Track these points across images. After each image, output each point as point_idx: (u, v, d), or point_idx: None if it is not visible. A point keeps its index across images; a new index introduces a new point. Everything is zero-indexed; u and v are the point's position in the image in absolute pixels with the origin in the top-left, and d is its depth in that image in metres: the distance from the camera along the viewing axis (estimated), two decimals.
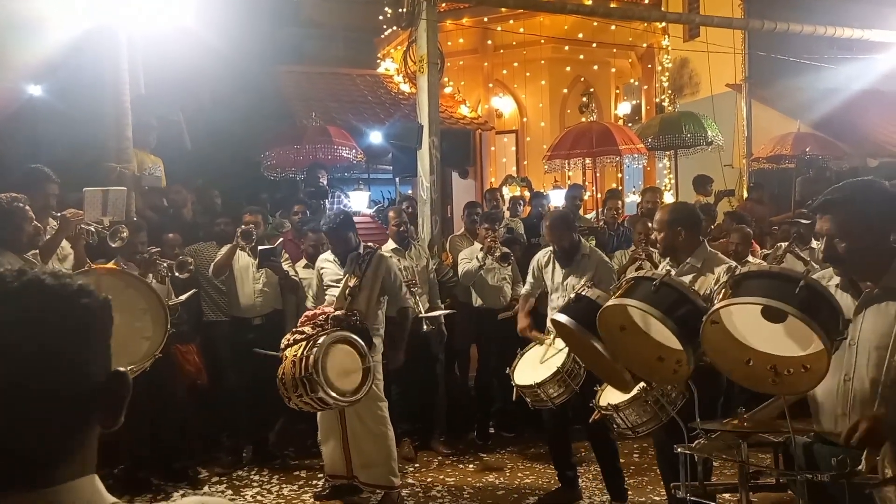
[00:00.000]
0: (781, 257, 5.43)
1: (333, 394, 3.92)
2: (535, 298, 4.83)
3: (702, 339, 2.22)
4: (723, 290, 2.19)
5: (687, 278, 3.30)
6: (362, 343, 4.12)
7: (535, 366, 4.04)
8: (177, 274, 4.68)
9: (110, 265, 4.14)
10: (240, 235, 5.01)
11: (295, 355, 4.00)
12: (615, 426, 3.23)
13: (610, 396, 3.21)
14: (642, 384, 2.85)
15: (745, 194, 9.58)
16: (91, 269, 3.81)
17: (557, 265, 4.55)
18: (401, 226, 5.53)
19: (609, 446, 4.33)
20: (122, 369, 0.87)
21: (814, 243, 5.77)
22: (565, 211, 6.16)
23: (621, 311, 2.47)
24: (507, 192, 9.40)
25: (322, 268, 4.72)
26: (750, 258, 5.57)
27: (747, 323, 2.24)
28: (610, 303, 2.45)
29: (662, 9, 11.55)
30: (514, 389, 4.05)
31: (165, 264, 4.63)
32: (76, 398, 0.82)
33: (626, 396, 3.05)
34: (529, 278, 4.79)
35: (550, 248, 4.67)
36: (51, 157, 6.38)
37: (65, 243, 4.32)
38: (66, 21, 5.44)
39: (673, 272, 3.38)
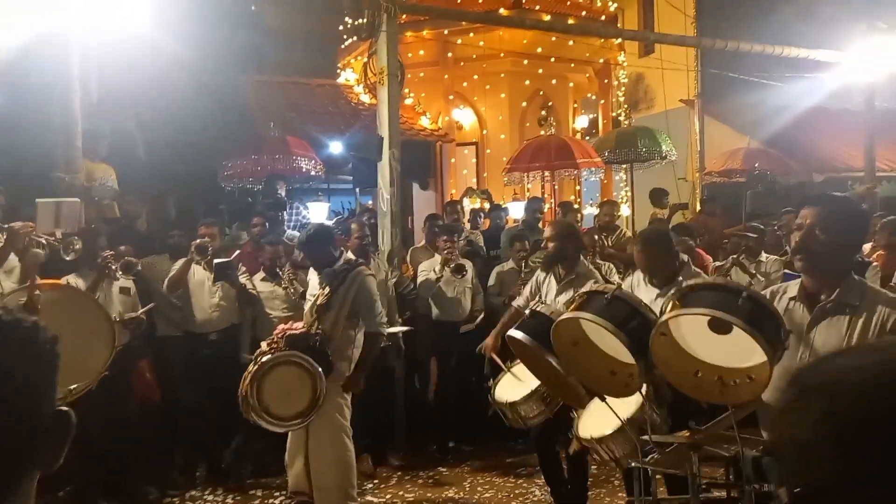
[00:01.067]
0: (728, 270, 5.58)
1: (267, 417, 3.84)
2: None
3: (651, 351, 2.26)
4: (671, 303, 2.24)
5: None
6: (314, 366, 3.93)
7: (516, 383, 3.84)
8: (121, 274, 4.57)
9: (55, 281, 4.00)
10: (194, 250, 4.91)
11: (248, 371, 3.95)
12: (596, 458, 3.12)
13: (591, 427, 3.10)
14: (626, 415, 2.83)
15: (699, 207, 9.83)
16: (34, 284, 3.68)
17: (553, 281, 4.34)
18: (363, 238, 5.51)
19: (586, 468, 4.25)
20: (66, 409, 0.82)
21: (763, 256, 5.94)
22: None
23: (575, 326, 2.51)
24: (468, 205, 9.44)
25: (309, 279, 4.63)
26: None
27: (695, 335, 2.29)
28: (564, 316, 2.49)
29: (619, 26, 11.81)
30: (491, 405, 3.86)
31: (115, 267, 4.53)
32: (26, 439, 0.77)
33: (610, 430, 2.95)
34: (526, 292, 4.48)
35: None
36: None
37: (12, 256, 4.18)
38: (15, 25, 5.26)
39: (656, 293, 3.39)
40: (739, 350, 2.19)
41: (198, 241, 4.98)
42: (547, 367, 2.67)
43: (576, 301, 2.55)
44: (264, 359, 3.89)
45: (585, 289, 2.62)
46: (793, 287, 2.40)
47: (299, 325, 4.22)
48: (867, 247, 5.24)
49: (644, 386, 2.81)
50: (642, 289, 3.62)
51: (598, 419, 3.05)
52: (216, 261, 4.99)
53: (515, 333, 2.73)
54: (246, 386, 3.79)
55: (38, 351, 0.79)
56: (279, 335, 4.06)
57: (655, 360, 2.30)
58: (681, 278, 3.44)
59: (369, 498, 4.84)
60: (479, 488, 5.02)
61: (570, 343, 2.55)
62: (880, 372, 0.64)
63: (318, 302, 4.20)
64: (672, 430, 2.81)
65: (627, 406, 2.90)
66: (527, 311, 2.85)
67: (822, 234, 2.25)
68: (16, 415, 0.76)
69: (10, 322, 0.78)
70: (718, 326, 2.17)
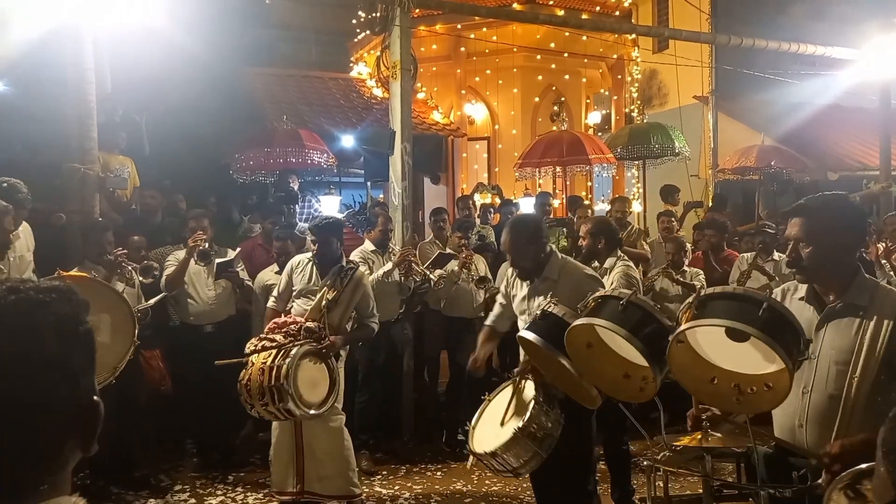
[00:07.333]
0: (748, 272, 5.55)
1: (301, 405, 3.87)
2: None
3: (668, 359, 2.24)
4: (688, 311, 2.21)
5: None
6: (331, 357, 4.12)
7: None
8: (141, 279, 4.60)
9: (78, 273, 4.03)
10: (197, 255, 4.91)
11: (264, 363, 3.93)
12: (495, 469, 3.01)
13: (485, 441, 2.98)
14: (516, 425, 2.85)
15: (710, 204, 9.77)
16: (59, 277, 3.71)
17: (520, 281, 4.43)
18: (388, 232, 5.62)
19: (626, 456, 4.40)
20: (96, 398, 0.87)
21: (776, 255, 5.91)
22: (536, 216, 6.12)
23: (589, 329, 2.49)
24: (479, 200, 9.44)
25: (295, 271, 4.52)
26: (685, 268, 5.72)
27: (712, 342, 2.27)
28: (577, 322, 2.47)
29: (633, 21, 11.73)
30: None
31: (131, 268, 4.55)
32: (66, 415, 0.83)
33: (502, 441, 2.86)
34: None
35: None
36: (9, 156, 6.21)
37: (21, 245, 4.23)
38: (30, 18, 5.29)
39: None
40: (757, 357, 2.17)
41: (200, 248, 4.89)
42: (558, 367, 2.66)
43: (590, 305, 2.51)
44: (293, 350, 3.91)
45: (601, 292, 2.57)
46: (802, 287, 2.38)
47: (300, 319, 4.22)
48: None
49: (535, 388, 2.92)
50: (517, 282, 3.60)
51: (489, 431, 2.98)
52: (217, 261, 5.02)
53: (527, 334, 2.72)
54: (282, 375, 3.80)
55: (84, 328, 0.86)
56: (293, 327, 4.08)
57: (671, 366, 2.26)
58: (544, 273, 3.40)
59: (378, 489, 4.86)
60: (487, 481, 5.03)
61: (583, 345, 2.53)
62: None
63: (330, 298, 4.22)
64: (565, 428, 2.91)
65: (518, 416, 2.93)
66: (538, 312, 2.83)
67: (808, 246, 2.24)
68: (65, 385, 0.83)
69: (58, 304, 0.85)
70: (736, 335, 2.14)
